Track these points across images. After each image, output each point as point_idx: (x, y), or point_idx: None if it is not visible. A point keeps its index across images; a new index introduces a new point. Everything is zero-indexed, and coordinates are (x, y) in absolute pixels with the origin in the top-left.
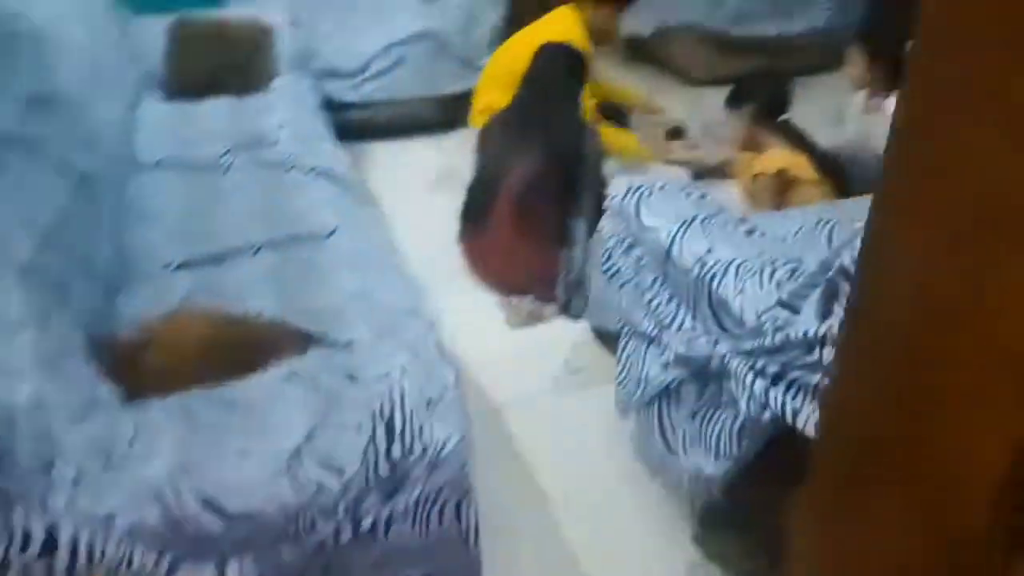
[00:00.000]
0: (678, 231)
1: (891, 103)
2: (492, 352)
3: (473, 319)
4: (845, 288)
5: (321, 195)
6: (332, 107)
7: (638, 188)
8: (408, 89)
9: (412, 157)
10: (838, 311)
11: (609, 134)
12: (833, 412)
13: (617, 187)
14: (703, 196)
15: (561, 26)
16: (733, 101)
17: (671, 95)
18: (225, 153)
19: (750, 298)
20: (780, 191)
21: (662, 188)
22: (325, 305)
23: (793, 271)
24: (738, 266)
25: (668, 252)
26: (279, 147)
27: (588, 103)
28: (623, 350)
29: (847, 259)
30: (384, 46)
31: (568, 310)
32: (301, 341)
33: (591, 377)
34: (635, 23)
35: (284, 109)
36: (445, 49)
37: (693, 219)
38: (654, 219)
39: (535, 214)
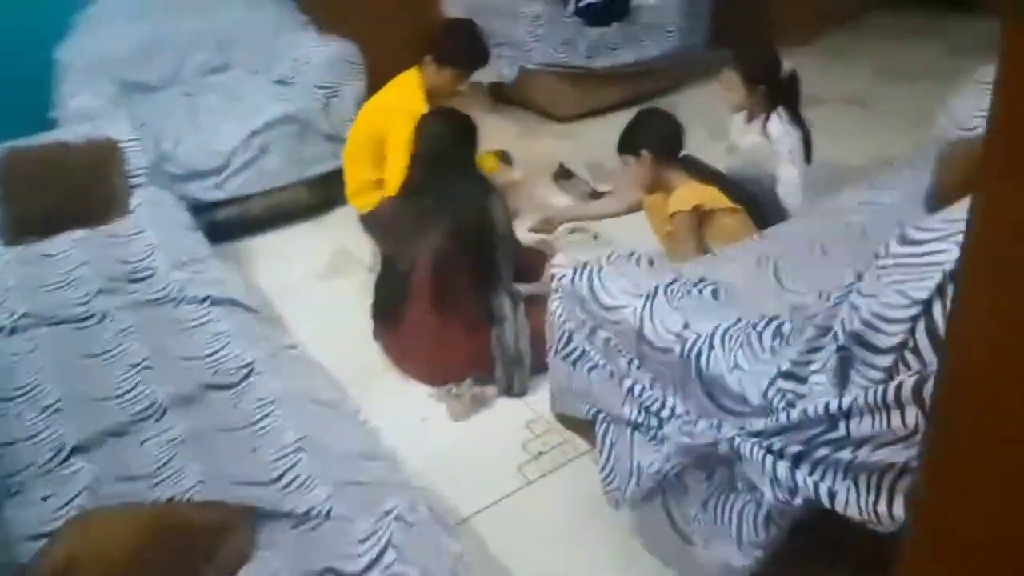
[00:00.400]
0: (644, 307)
1: (773, 124)
2: (442, 452)
3: (410, 419)
4: (861, 355)
5: (223, 328)
6: (198, 210)
7: (585, 266)
8: (278, 177)
9: (296, 247)
10: (856, 379)
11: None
12: (932, 509)
13: (560, 267)
14: (651, 262)
15: (405, 89)
16: (627, 146)
17: (542, 134)
18: (94, 297)
19: (748, 372)
20: (698, 226)
21: (610, 261)
22: (264, 467)
23: (777, 330)
24: (722, 337)
25: (640, 332)
26: (156, 279)
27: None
28: (603, 439)
29: (856, 323)
30: (244, 137)
31: (511, 390)
32: (248, 521)
33: (555, 458)
34: (497, 69)
35: (151, 231)
36: (309, 129)
37: (655, 291)
38: (614, 298)
39: (454, 296)
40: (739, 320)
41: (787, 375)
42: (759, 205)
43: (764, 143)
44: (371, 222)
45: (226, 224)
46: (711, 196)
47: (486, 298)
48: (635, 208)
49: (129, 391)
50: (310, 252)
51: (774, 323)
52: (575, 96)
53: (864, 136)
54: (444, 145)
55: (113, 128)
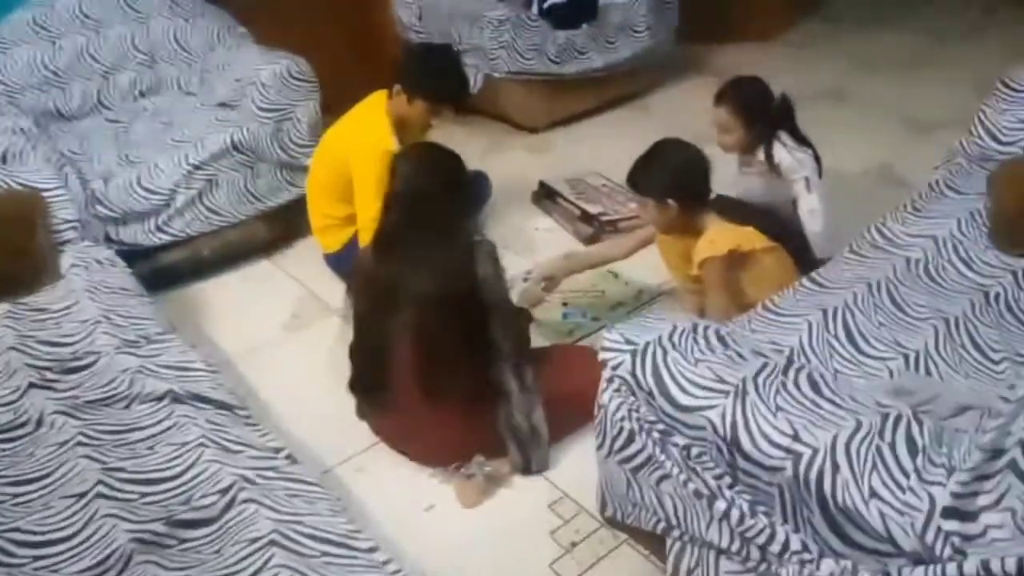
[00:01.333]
0: (735, 409)
1: (780, 153)
2: (456, 546)
3: (413, 507)
4: None
5: (190, 436)
6: (136, 257)
7: (646, 349)
8: (228, 213)
9: (255, 292)
10: None
11: None
12: None
13: (613, 348)
14: (721, 338)
15: (371, 120)
16: (644, 187)
17: (513, 148)
18: (23, 394)
19: (890, 505)
20: (731, 271)
21: (672, 340)
22: None
23: (909, 440)
24: (845, 451)
25: (734, 444)
26: (100, 367)
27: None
28: (677, 561)
29: None
30: (186, 172)
31: (528, 469)
32: None
33: (593, 548)
34: None
35: (89, 301)
36: (260, 158)
37: (744, 385)
38: (691, 395)
39: (442, 377)
40: (859, 425)
41: (950, 512)
42: (794, 239)
43: (773, 178)
44: (338, 267)
45: (171, 270)
46: (746, 237)
47: (483, 373)
48: (646, 244)
49: (76, 534)
50: (272, 297)
51: (902, 427)
52: (545, 104)
53: (848, 133)
54: (426, 192)
55: (32, 172)
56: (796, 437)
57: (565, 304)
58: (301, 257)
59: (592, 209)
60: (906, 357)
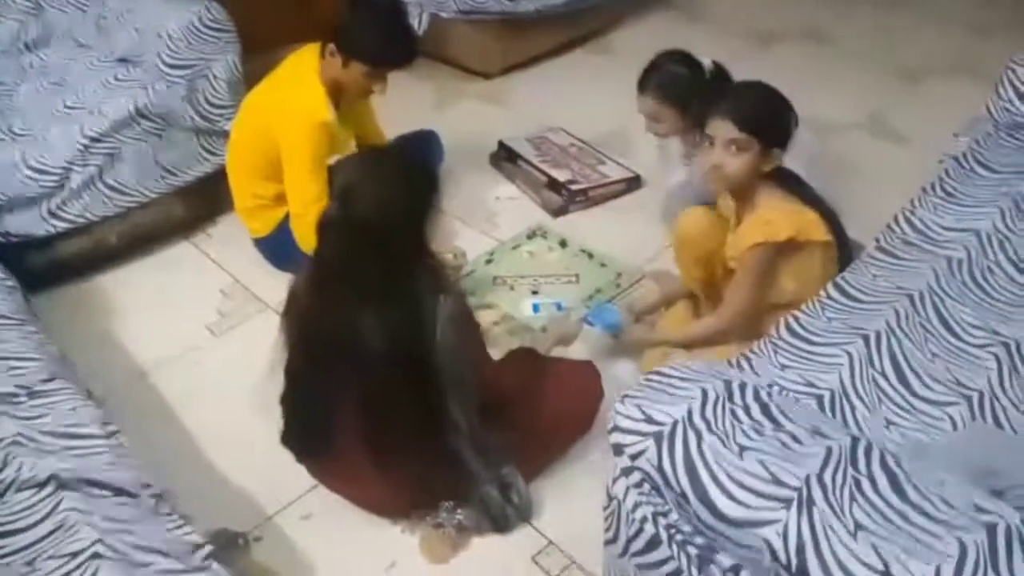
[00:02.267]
0: (800, 525)
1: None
2: None
3: (372, 566)
4: None
5: (84, 544)
6: (25, 250)
7: (674, 432)
8: (135, 191)
9: (173, 283)
10: None
11: None
12: None
13: (629, 428)
14: (766, 406)
15: (300, 82)
16: (765, 128)
17: (465, 97)
18: None
19: None
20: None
21: (707, 417)
22: None
23: None
24: None
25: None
26: None
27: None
28: None
29: None
30: (81, 146)
31: (506, 528)
32: None
33: None
34: None
35: None
36: (171, 125)
37: (809, 490)
38: (738, 502)
39: (392, 440)
40: (963, 551)
41: None
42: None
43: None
44: (270, 252)
45: (72, 262)
46: (807, 223)
47: (440, 439)
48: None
49: None
50: (194, 290)
51: (1017, 549)
52: (500, 47)
53: (833, 79)
54: (378, 222)
55: None
56: (886, 569)
57: (535, 292)
58: (227, 237)
59: (560, 176)
60: (968, 400)
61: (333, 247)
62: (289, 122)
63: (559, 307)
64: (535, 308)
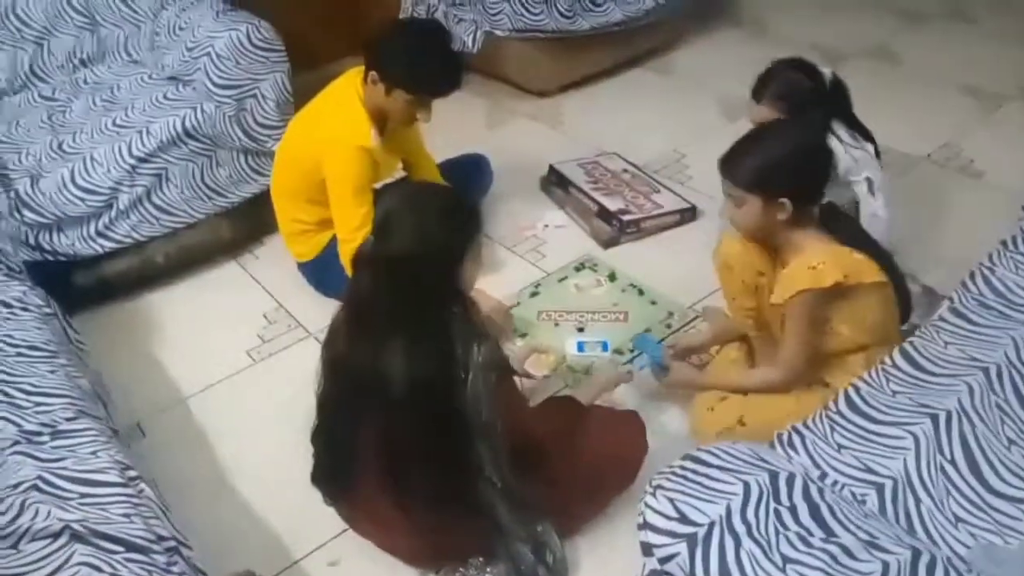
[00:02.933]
0: None
1: (837, 151)
2: None
3: None
4: None
5: None
6: (74, 269)
7: (709, 536)
8: (183, 211)
9: (217, 304)
10: None
11: None
12: None
13: (659, 527)
14: (815, 506)
15: (344, 107)
16: (746, 177)
17: (516, 117)
18: None
19: None
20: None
21: (747, 519)
22: None
23: None
24: None
25: None
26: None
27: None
28: None
29: None
30: (129, 166)
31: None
32: None
33: None
34: (457, 36)
35: None
36: (219, 144)
37: None
38: None
39: (415, 485)
40: None
41: None
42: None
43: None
44: (314, 277)
45: (119, 281)
46: (857, 266)
47: (466, 488)
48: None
49: None
50: (236, 312)
51: None
52: (554, 66)
53: (902, 104)
54: (416, 257)
55: None
56: None
57: (580, 329)
58: (274, 259)
59: (612, 205)
60: None
61: (366, 280)
62: (332, 149)
63: (605, 347)
64: (580, 347)
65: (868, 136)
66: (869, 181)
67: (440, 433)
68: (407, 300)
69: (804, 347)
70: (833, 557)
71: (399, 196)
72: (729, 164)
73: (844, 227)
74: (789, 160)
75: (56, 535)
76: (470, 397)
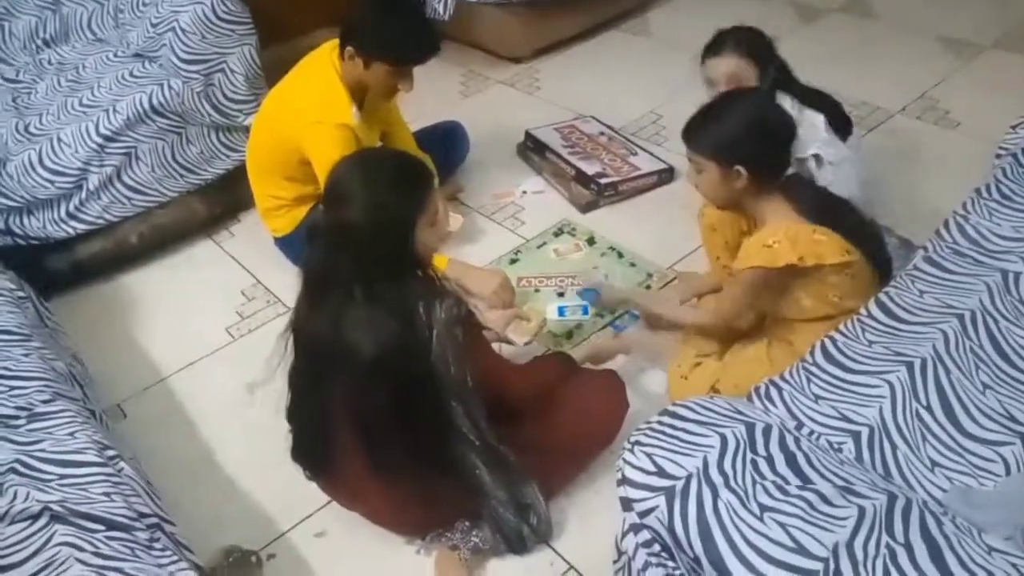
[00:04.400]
0: None
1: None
2: None
3: None
4: None
5: None
6: (46, 252)
7: (687, 488)
8: (154, 190)
9: (193, 284)
10: None
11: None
12: None
13: (636, 481)
14: (792, 455)
15: (321, 83)
16: (705, 145)
17: (491, 84)
18: None
19: None
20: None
21: (724, 470)
22: None
23: None
24: None
25: None
26: None
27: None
28: None
29: None
30: (97, 145)
31: (523, 549)
32: None
33: None
34: (430, 7)
35: None
36: (189, 120)
37: (834, 559)
38: (757, 574)
39: (390, 453)
40: None
41: None
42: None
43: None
44: (291, 251)
45: (93, 263)
46: (816, 247)
47: (444, 451)
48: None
49: None
50: (214, 290)
51: None
52: (528, 30)
53: (877, 58)
54: (366, 227)
55: None
56: None
57: (561, 294)
58: (250, 235)
59: (589, 168)
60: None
61: (319, 250)
62: (315, 129)
63: (585, 311)
64: (561, 311)
65: (823, 105)
66: (817, 158)
67: (411, 395)
68: (362, 267)
69: (733, 311)
70: (810, 504)
71: (348, 163)
72: (689, 131)
73: (807, 199)
74: (746, 131)
75: (35, 516)
76: (436, 355)
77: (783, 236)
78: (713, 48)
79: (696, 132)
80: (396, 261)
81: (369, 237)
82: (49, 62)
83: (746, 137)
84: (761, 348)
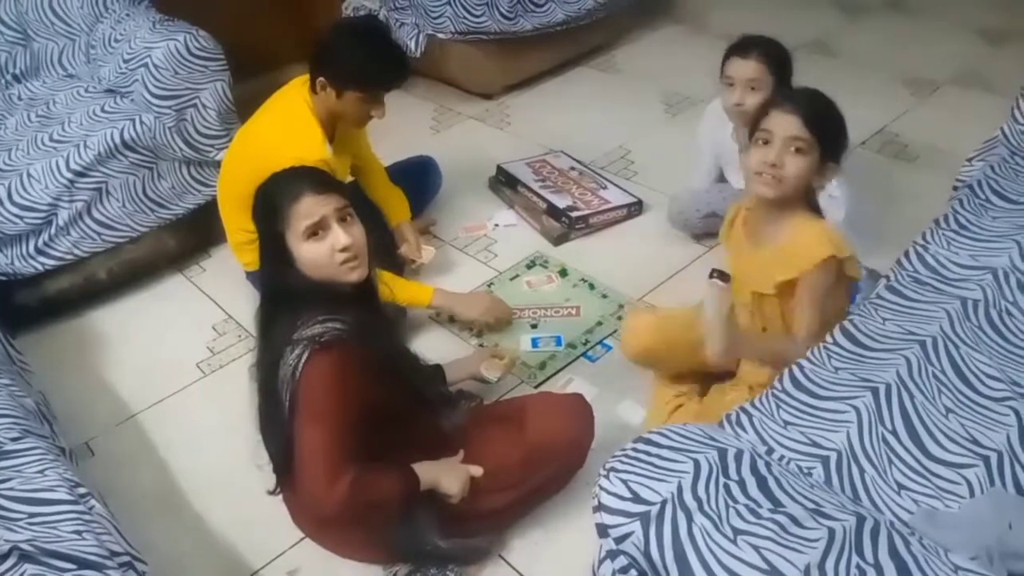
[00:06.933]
0: None
1: None
2: None
3: None
4: None
5: None
6: (13, 289)
7: (662, 514)
8: (125, 226)
9: (164, 318)
10: None
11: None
12: None
13: (613, 507)
14: (763, 479)
15: (294, 119)
16: (831, 137)
17: (461, 120)
18: None
19: None
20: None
21: (698, 495)
22: None
23: None
24: None
25: None
26: None
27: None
28: None
29: None
30: (68, 180)
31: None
32: None
33: None
34: (401, 44)
35: None
36: (160, 155)
37: None
38: None
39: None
40: None
41: None
42: None
43: None
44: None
45: (62, 299)
46: (839, 239)
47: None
48: None
49: None
50: (184, 325)
51: None
52: (499, 67)
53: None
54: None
55: None
56: None
57: (534, 327)
58: (221, 270)
59: (560, 202)
60: (986, 461)
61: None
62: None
63: (559, 342)
64: (534, 343)
65: None
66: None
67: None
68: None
69: (817, 326)
70: (781, 526)
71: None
72: (811, 104)
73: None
74: (844, 127)
75: (4, 556)
76: (280, 377)
77: (828, 229)
78: (741, 49)
79: (823, 110)
80: (286, 291)
81: (263, 272)
82: (19, 97)
83: (845, 136)
84: (743, 393)
